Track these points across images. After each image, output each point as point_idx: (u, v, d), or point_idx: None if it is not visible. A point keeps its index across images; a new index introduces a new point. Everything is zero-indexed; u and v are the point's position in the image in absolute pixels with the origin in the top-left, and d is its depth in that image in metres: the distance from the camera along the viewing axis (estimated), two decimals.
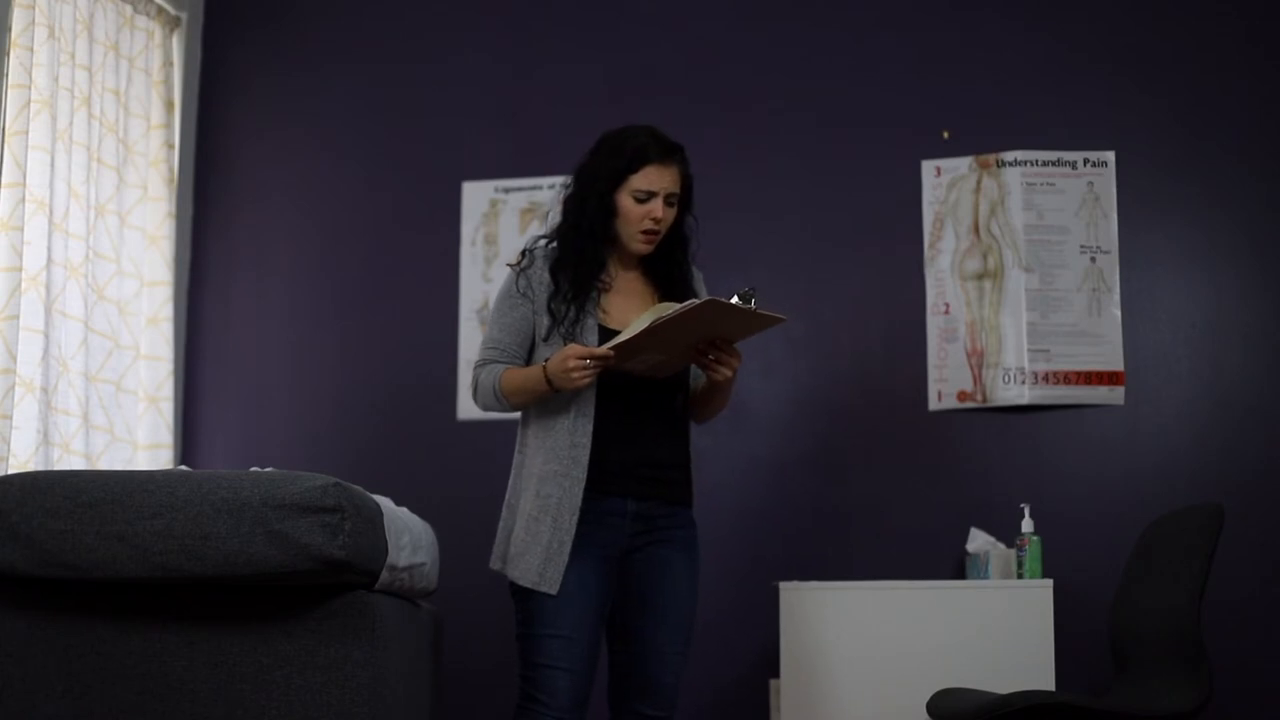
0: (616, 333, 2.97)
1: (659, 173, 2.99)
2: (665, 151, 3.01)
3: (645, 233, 3.01)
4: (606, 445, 2.97)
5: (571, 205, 3.07)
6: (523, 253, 3.11)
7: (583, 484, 2.93)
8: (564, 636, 2.92)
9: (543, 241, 3.11)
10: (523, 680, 2.98)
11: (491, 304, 3.17)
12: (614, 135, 3.06)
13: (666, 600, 3.04)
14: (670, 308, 2.81)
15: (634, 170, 2.99)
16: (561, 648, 2.92)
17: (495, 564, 3.09)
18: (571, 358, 2.86)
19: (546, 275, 3.04)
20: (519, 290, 3.06)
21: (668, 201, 3.01)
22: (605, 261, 3.06)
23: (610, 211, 3.01)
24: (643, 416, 3.02)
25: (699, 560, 3.12)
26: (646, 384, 3.00)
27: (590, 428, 2.95)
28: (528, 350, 3.06)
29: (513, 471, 3.09)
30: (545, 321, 3.01)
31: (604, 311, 3.04)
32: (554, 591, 2.91)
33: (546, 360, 2.93)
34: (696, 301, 2.78)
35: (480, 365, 3.07)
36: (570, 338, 2.97)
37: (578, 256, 3.02)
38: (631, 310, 3.06)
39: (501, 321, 3.06)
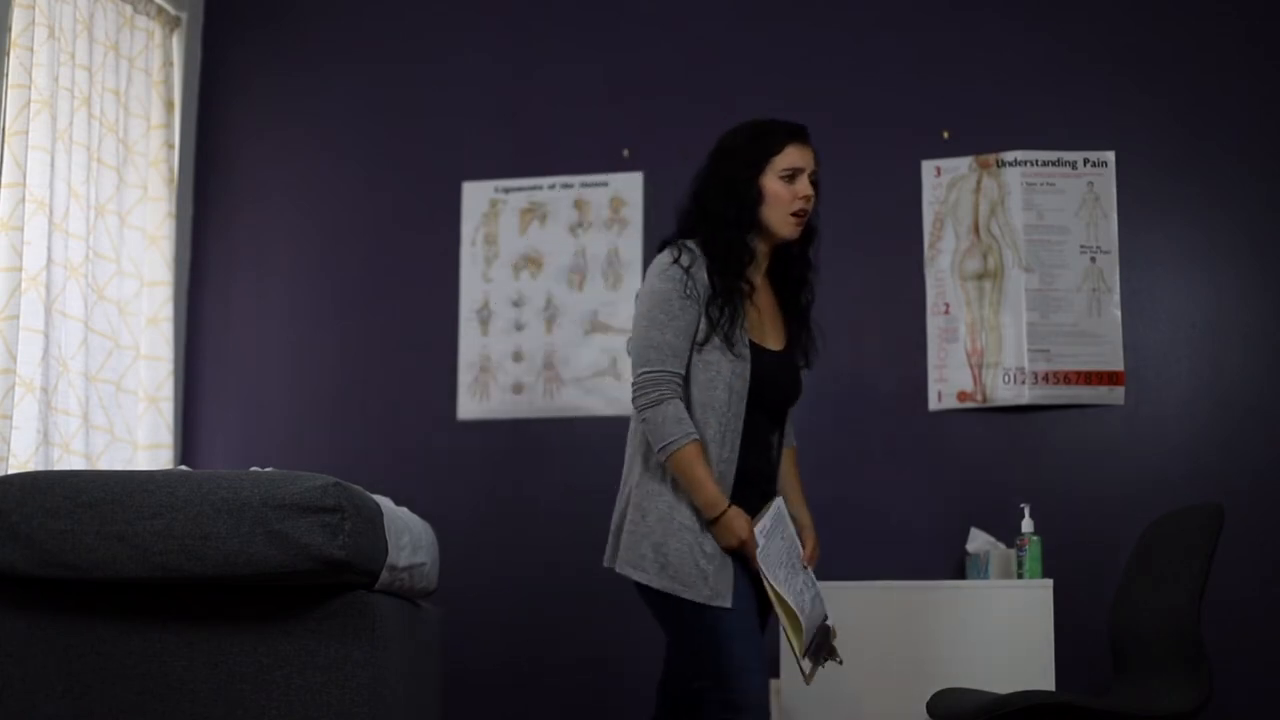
0: (763, 349, 2.94)
1: (800, 151, 2.96)
2: (799, 130, 2.98)
3: (796, 214, 2.95)
4: (743, 459, 2.91)
5: (716, 204, 2.94)
6: (678, 250, 2.93)
7: (729, 498, 2.86)
8: (749, 638, 2.84)
9: (690, 243, 2.95)
10: (717, 695, 2.81)
11: (649, 302, 2.91)
12: (737, 131, 3.00)
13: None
14: (798, 637, 2.86)
15: (776, 152, 2.94)
16: (750, 649, 2.83)
17: (624, 569, 2.91)
18: (742, 541, 2.81)
19: (704, 275, 2.90)
20: (685, 292, 2.88)
21: (811, 180, 2.97)
22: (756, 252, 2.96)
23: (757, 200, 2.93)
24: (767, 432, 2.98)
25: None
26: (770, 405, 2.96)
27: (738, 442, 2.89)
28: None
29: (650, 476, 2.91)
30: (704, 325, 2.88)
31: (750, 328, 2.94)
32: (727, 604, 2.80)
33: (731, 506, 2.82)
34: (804, 664, 2.90)
35: (665, 380, 2.85)
36: (729, 342, 2.86)
37: (726, 250, 2.91)
38: (766, 323, 3.00)
39: (674, 325, 2.86)
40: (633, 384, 2.90)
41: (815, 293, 3.11)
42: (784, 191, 2.94)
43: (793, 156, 2.95)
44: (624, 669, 4.23)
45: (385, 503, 3.03)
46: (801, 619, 2.87)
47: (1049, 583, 3.71)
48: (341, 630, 2.76)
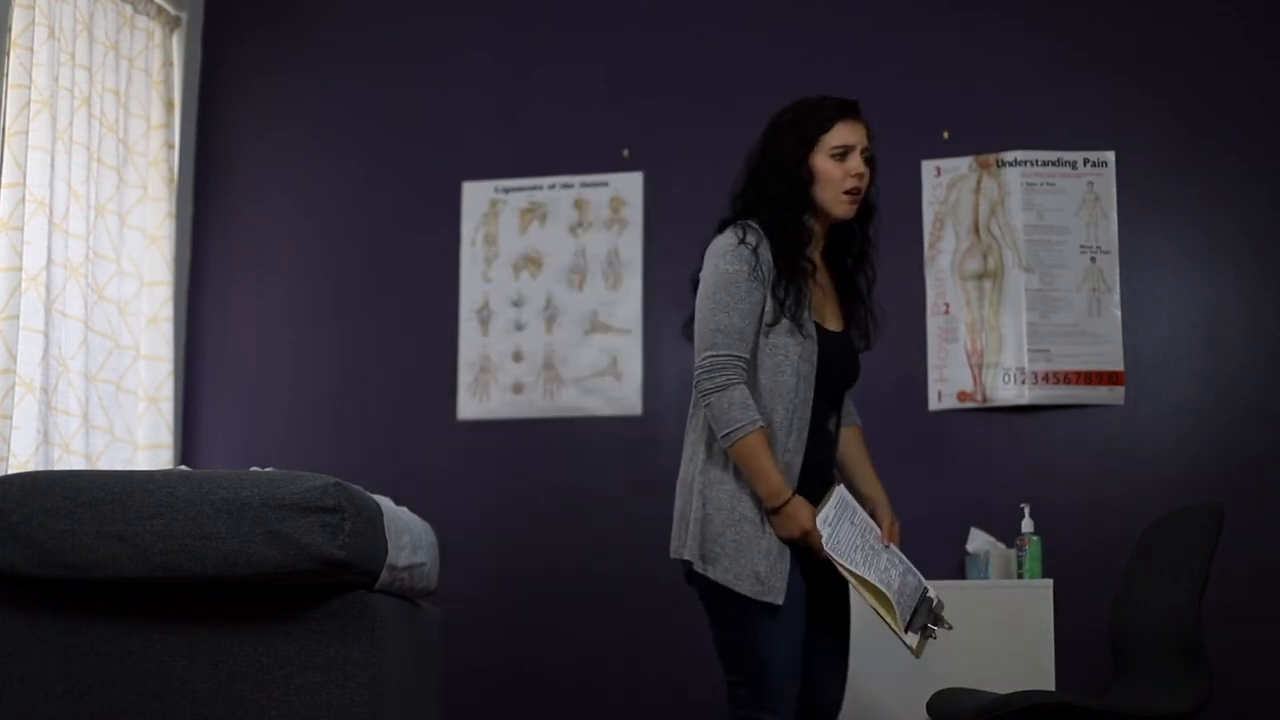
0: (826, 330, 2.87)
1: (850, 127, 2.89)
2: (848, 106, 2.91)
3: (849, 192, 2.86)
4: (811, 451, 2.85)
5: (769, 185, 2.88)
6: (742, 230, 2.84)
7: (794, 489, 2.78)
8: (791, 640, 2.77)
9: (753, 223, 2.87)
10: (747, 691, 2.76)
11: (714, 283, 2.80)
12: (787, 109, 2.94)
13: (827, 607, 2.89)
14: (891, 615, 2.79)
15: (825, 130, 2.87)
16: (790, 652, 2.77)
17: (689, 557, 2.81)
18: (805, 533, 2.73)
19: (769, 256, 2.81)
20: (753, 274, 2.78)
21: (863, 157, 2.89)
22: (813, 232, 2.88)
23: (809, 179, 2.86)
24: (825, 418, 2.91)
25: None
26: (831, 389, 2.90)
27: (806, 431, 2.81)
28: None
29: (712, 464, 2.82)
30: (772, 306, 2.79)
31: (812, 310, 2.87)
32: (779, 602, 2.72)
33: (794, 495, 2.74)
34: (907, 638, 2.82)
35: (731, 364, 2.76)
36: (798, 323, 2.79)
37: (785, 230, 2.84)
38: (829, 304, 2.92)
39: (740, 308, 2.76)
40: (696, 368, 2.80)
41: (876, 271, 3.01)
42: (835, 170, 2.86)
43: (842, 134, 2.88)
44: (624, 669, 4.23)
45: (385, 503, 3.03)
46: (891, 595, 2.81)
47: (1049, 583, 3.71)
48: (341, 630, 2.76)
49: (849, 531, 2.85)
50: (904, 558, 2.94)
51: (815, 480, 2.85)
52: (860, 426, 3.14)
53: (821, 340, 2.86)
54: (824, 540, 2.77)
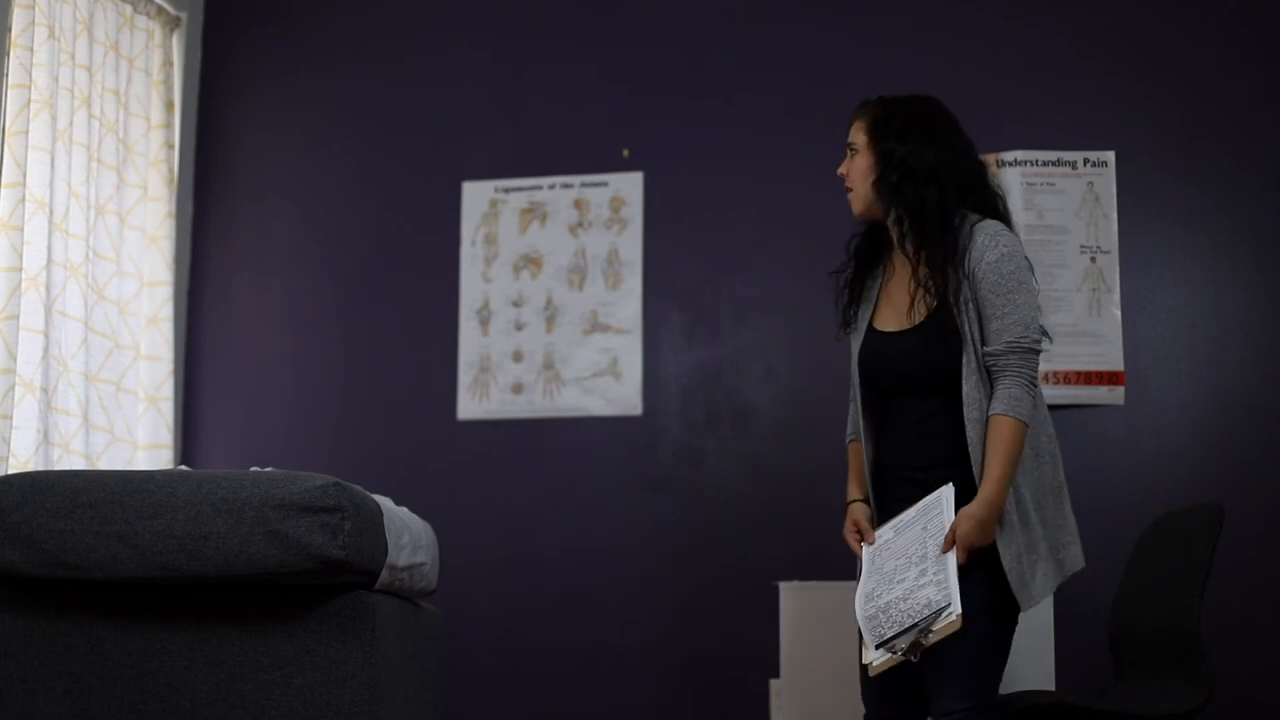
0: (880, 332, 2.85)
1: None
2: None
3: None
4: (880, 453, 2.87)
5: None
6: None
7: (869, 492, 2.89)
8: None
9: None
10: None
11: None
12: None
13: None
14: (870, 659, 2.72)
15: None
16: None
17: None
18: (852, 530, 2.86)
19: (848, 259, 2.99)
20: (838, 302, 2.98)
21: (850, 153, 2.95)
22: (872, 232, 2.94)
23: None
24: (901, 417, 2.85)
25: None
26: (886, 389, 2.87)
27: (867, 437, 2.88)
28: None
29: None
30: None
31: (877, 308, 2.90)
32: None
33: (851, 503, 2.90)
34: (867, 654, 2.73)
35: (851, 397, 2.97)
36: (847, 323, 2.93)
37: (851, 240, 2.99)
38: (897, 303, 2.88)
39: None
40: None
41: (936, 263, 2.83)
42: None
43: None
44: (624, 669, 4.23)
45: (385, 503, 3.04)
46: (859, 612, 2.74)
47: None
48: (341, 630, 2.76)
49: (912, 538, 2.76)
50: (945, 569, 2.68)
51: (898, 483, 2.84)
52: (999, 415, 2.84)
53: (867, 341, 2.88)
54: (876, 546, 2.80)
